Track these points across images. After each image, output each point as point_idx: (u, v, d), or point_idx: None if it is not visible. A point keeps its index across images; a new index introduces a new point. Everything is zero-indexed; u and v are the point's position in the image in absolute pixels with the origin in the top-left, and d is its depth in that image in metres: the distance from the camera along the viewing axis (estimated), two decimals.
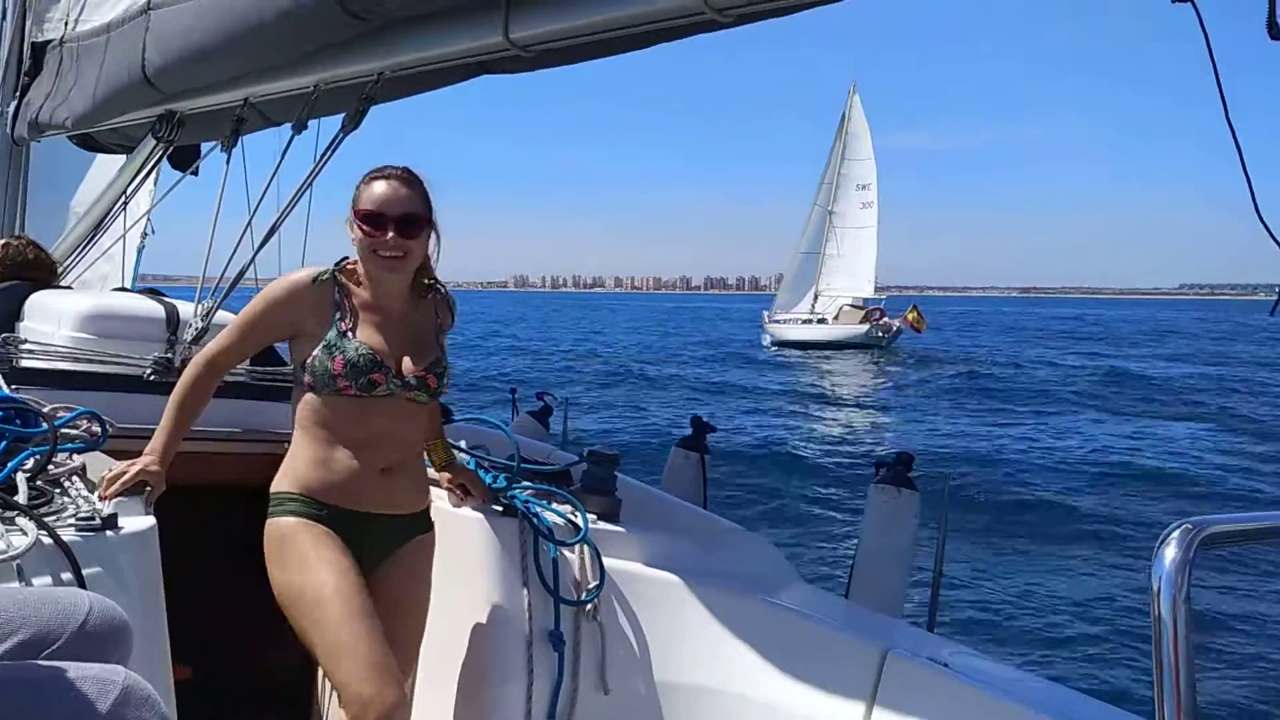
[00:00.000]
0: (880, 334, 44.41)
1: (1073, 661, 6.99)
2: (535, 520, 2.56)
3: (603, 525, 2.69)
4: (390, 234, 2.21)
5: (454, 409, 3.37)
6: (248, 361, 3.98)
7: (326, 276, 2.28)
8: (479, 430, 3.40)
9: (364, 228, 2.22)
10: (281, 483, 2.27)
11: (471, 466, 2.84)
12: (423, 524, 2.39)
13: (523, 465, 2.82)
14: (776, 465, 14.88)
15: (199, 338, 3.41)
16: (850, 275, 50.07)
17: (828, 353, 42.35)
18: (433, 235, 2.32)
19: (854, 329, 45.31)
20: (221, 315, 3.58)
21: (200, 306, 3.48)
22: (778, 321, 49.83)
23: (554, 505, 2.66)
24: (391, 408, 2.26)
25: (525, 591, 2.48)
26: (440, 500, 2.75)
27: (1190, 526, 1.16)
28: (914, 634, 2.64)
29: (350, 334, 2.23)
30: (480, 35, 2.65)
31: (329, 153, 3.40)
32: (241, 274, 3.51)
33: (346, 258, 2.33)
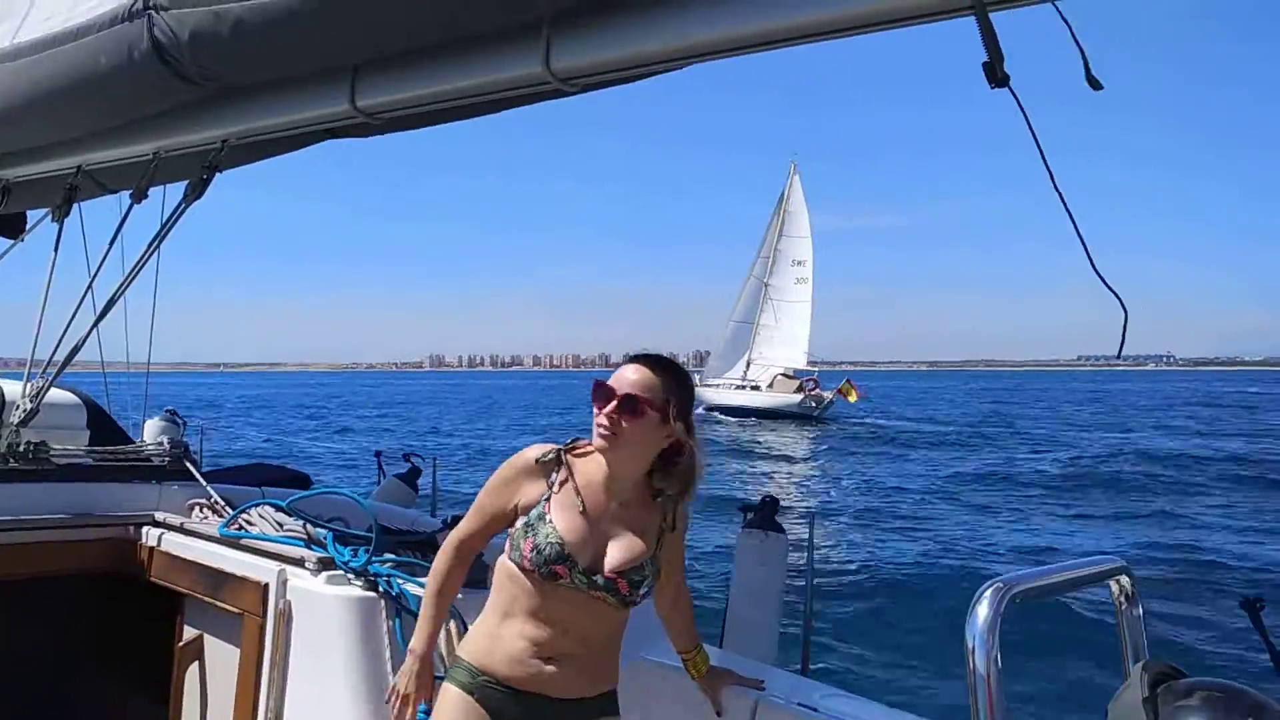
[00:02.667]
0: (813, 404, 45.72)
1: (939, 695, 7.22)
2: (398, 595, 2.48)
3: (473, 593, 2.63)
4: (607, 408, 2.12)
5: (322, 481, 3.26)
6: (86, 439, 3.77)
7: (550, 456, 2.22)
8: (335, 501, 3.30)
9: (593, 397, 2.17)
10: (465, 646, 2.23)
11: (328, 540, 2.75)
12: (598, 707, 2.22)
13: (384, 535, 2.74)
14: None
15: (28, 419, 3.21)
16: (784, 345, 51.58)
17: (759, 420, 43.41)
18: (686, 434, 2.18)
19: (788, 398, 46.70)
20: (55, 394, 3.37)
21: (30, 386, 3.28)
22: (709, 385, 50.39)
23: (419, 577, 2.59)
24: (574, 599, 2.14)
25: (390, 671, 2.41)
26: (297, 578, 2.64)
27: (1001, 585, 1.25)
28: (786, 679, 2.69)
29: (550, 518, 2.15)
30: (326, 103, 2.63)
31: (171, 222, 3.29)
32: (75, 350, 3.32)
33: (579, 438, 2.26)
